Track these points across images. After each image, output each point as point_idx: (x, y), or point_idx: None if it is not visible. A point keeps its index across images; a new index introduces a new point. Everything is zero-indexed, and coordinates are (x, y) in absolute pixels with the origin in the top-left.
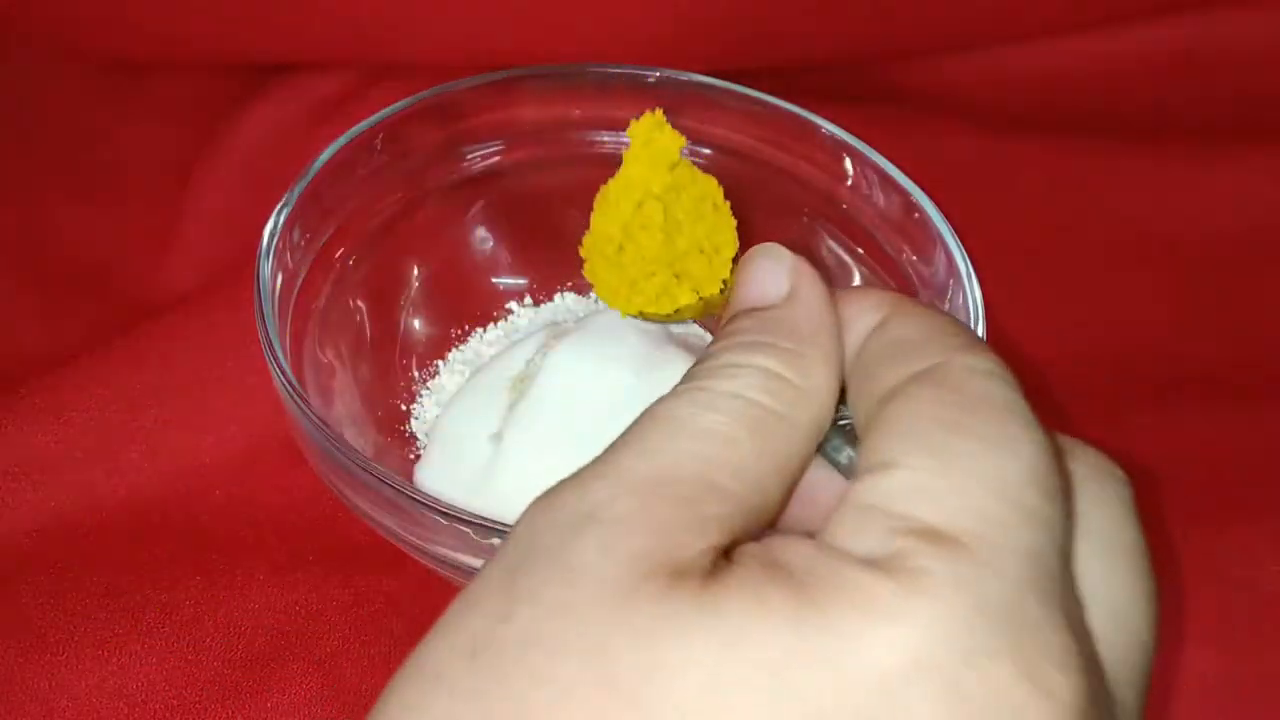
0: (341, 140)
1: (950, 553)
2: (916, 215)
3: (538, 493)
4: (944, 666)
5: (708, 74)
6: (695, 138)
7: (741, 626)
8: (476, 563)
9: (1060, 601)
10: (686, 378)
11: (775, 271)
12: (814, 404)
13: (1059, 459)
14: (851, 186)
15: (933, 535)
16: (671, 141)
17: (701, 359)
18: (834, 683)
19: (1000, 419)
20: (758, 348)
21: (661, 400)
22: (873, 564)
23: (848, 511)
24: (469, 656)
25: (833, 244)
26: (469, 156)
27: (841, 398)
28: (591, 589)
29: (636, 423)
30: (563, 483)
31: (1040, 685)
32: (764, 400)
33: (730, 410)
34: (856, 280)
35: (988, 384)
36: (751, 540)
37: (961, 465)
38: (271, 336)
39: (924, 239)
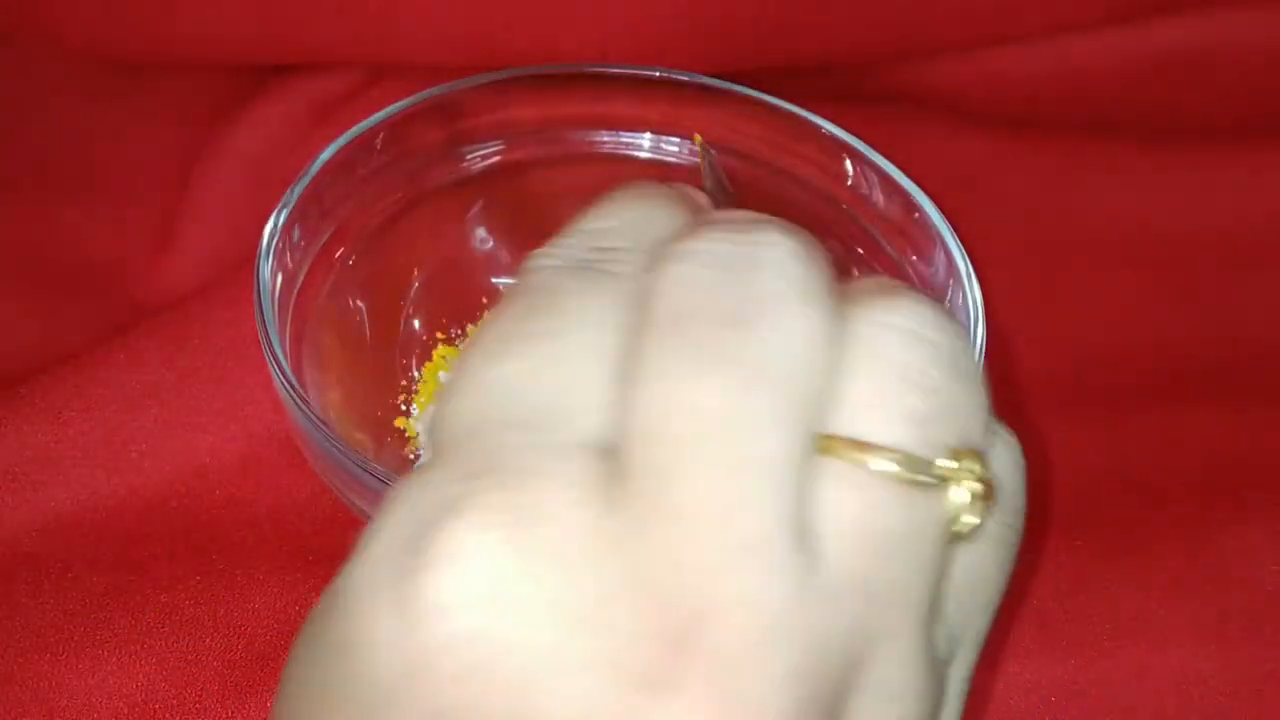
0: (341, 140)
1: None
2: (916, 215)
3: None
4: (399, 550)
5: (708, 74)
6: None
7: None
8: None
9: (545, 443)
10: None
11: None
12: None
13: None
14: (851, 186)
15: (439, 447)
16: None
17: None
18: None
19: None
20: None
21: None
22: None
23: None
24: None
25: (833, 244)
26: (469, 156)
27: None
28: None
29: None
30: None
31: (507, 504)
32: None
33: None
34: None
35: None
36: None
37: (463, 366)
38: (271, 336)
39: (924, 239)
